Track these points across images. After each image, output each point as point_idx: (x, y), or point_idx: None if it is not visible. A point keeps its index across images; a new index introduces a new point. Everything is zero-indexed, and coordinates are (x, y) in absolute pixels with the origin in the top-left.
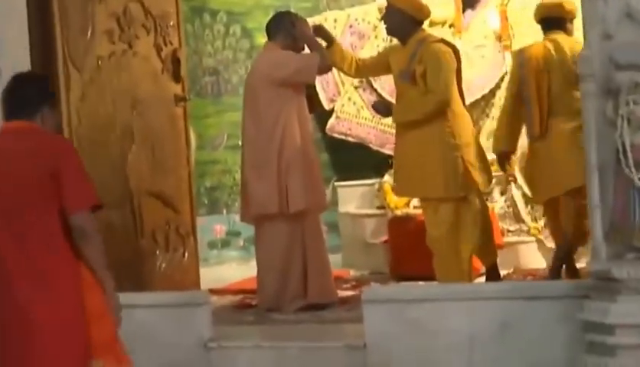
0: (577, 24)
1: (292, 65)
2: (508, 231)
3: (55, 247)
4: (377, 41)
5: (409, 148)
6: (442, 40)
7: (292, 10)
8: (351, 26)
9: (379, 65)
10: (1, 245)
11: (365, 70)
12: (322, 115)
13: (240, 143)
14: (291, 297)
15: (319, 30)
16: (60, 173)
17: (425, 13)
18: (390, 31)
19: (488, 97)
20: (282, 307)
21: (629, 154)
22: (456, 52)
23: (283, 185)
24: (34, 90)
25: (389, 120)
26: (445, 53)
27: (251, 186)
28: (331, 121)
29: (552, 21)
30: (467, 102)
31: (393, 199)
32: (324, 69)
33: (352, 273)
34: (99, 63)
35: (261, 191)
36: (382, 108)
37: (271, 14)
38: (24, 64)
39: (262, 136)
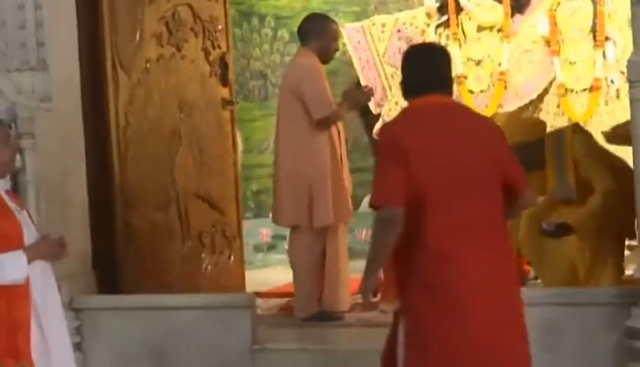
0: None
1: (324, 105)
2: None
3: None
4: None
5: None
6: None
7: (341, 14)
8: (399, 30)
9: None
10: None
11: None
12: (370, 120)
13: None
14: (304, 303)
15: None
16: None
17: None
18: None
19: (536, 102)
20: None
21: None
22: None
23: (308, 197)
24: (450, 68)
25: None
26: None
27: (283, 195)
28: (378, 125)
29: None
30: (515, 107)
31: None
32: (327, 123)
33: None
34: (148, 65)
35: (290, 202)
36: None
37: None
38: (73, 66)
39: (285, 145)
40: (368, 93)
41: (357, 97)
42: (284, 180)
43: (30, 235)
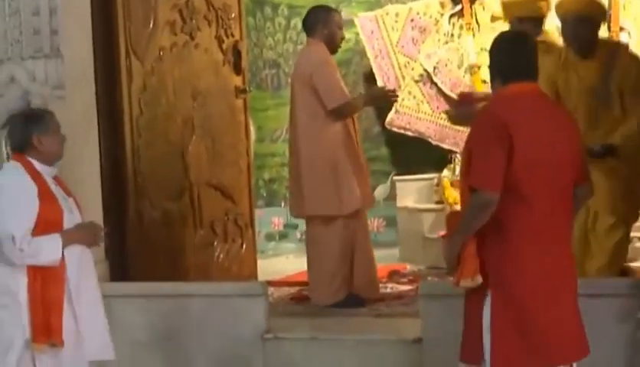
0: None
1: (337, 94)
2: None
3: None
4: (438, 36)
5: None
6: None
7: (354, 4)
8: (412, 20)
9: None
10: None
11: None
12: (382, 109)
13: None
14: (333, 291)
15: None
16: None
17: None
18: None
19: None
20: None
21: None
22: None
23: (333, 186)
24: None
25: None
26: None
27: (306, 186)
28: (391, 115)
29: None
30: None
31: (451, 194)
32: (341, 113)
33: (409, 267)
34: (161, 53)
35: (316, 191)
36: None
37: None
38: (86, 54)
39: (301, 136)
40: (389, 97)
41: (378, 96)
42: (305, 171)
43: (73, 222)
